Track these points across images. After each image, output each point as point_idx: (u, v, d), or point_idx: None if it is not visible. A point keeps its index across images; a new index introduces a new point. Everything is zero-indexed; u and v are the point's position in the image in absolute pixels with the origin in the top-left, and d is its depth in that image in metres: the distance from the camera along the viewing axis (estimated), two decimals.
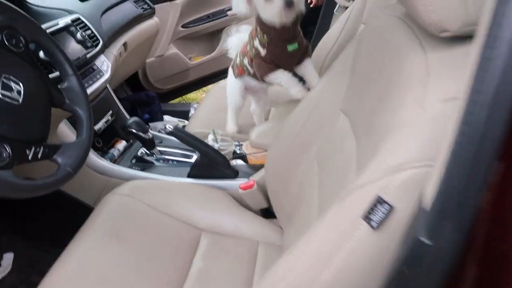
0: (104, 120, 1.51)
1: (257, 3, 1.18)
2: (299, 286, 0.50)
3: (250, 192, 1.15)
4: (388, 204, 0.44)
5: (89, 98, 1.06)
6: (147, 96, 2.14)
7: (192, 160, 1.36)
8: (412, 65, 0.54)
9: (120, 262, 0.90)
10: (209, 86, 2.64)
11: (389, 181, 0.45)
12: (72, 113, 0.94)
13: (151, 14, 2.02)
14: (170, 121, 2.04)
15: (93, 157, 1.30)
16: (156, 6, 2.08)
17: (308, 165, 0.91)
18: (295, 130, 0.98)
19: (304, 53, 1.30)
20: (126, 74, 2.10)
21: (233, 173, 1.25)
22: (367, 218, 0.45)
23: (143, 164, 1.37)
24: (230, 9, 2.44)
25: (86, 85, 1.29)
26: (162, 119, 2.08)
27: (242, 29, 1.45)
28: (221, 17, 2.47)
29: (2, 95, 0.76)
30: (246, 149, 1.36)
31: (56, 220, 1.34)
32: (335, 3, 2.05)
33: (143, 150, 1.42)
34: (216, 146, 1.33)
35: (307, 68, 1.31)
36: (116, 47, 1.66)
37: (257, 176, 1.18)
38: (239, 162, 1.35)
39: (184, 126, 1.83)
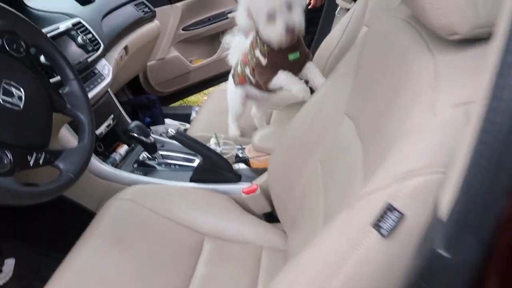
0: (105, 124, 1.50)
1: (258, 22, 1.17)
2: None
3: (253, 196, 1.14)
4: (399, 212, 0.43)
5: (91, 103, 1.05)
6: (148, 100, 2.14)
7: (195, 164, 1.35)
8: (420, 69, 0.53)
9: (122, 268, 0.89)
10: (210, 89, 2.64)
11: (399, 188, 0.44)
12: (73, 118, 0.94)
13: (151, 17, 2.02)
14: (171, 124, 2.03)
15: (95, 162, 1.30)
16: (157, 9, 2.08)
17: (312, 168, 0.90)
18: (298, 133, 0.97)
19: (305, 60, 1.29)
20: (127, 78, 2.10)
21: (236, 177, 1.24)
22: (376, 225, 0.44)
23: (145, 168, 1.37)
24: (230, 12, 2.43)
25: (87, 89, 1.28)
26: (163, 123, 2.08)
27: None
28: (222, 20, 2.47)
29: (3, 100, 0.75)
30: (248, 152, 1.35)
31: (58, 225, 1.33)
32: (337, 5, 2.05)
33: (145, 154, 1.41)
34: (218, 149, 1.32)
35: (310, 69, 1.29)
36: (117, 51, 1.65)
37: (260, 180, 1.17)
38: (242, 166, 1.34)
39: (185, 130, 1.82)
